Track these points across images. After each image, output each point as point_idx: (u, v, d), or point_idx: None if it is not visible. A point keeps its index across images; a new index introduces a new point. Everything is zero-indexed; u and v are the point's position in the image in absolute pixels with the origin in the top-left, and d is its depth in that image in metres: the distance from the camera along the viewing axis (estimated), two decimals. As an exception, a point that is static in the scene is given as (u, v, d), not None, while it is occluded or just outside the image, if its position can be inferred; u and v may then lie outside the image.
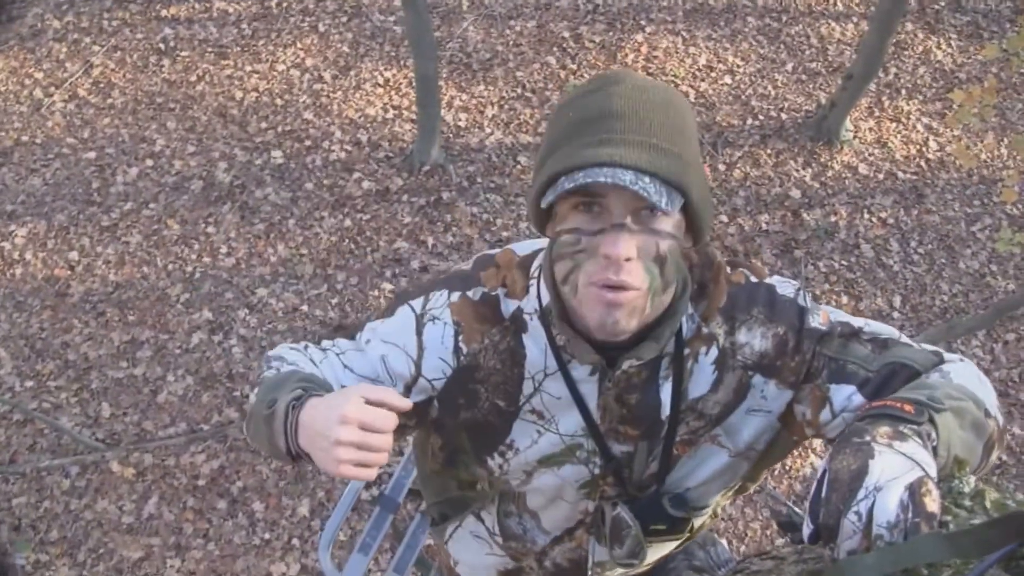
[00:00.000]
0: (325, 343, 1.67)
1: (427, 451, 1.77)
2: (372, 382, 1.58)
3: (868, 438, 1.16)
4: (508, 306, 1.59)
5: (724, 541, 2.04)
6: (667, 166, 1.32)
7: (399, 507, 2.53)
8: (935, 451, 1.20)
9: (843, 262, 6.59)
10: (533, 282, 1.57)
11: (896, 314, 6.44)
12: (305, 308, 6.04)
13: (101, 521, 5.26)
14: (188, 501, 5.32)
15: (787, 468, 5.66)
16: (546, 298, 1.52)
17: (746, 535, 5.34)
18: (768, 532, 5.41)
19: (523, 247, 1.66)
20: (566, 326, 1.49)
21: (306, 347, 1.65)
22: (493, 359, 1.58)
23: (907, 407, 1.24)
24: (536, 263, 1.60)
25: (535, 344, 1.56)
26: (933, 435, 1.22)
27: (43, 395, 5.67)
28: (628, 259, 1.35)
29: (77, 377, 5.76)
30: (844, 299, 6.39)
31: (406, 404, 1.36)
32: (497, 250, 1.67)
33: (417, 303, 1.62)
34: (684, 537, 1.85)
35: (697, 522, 1.83)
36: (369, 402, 1.31)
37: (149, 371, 5.79)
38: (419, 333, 1.59)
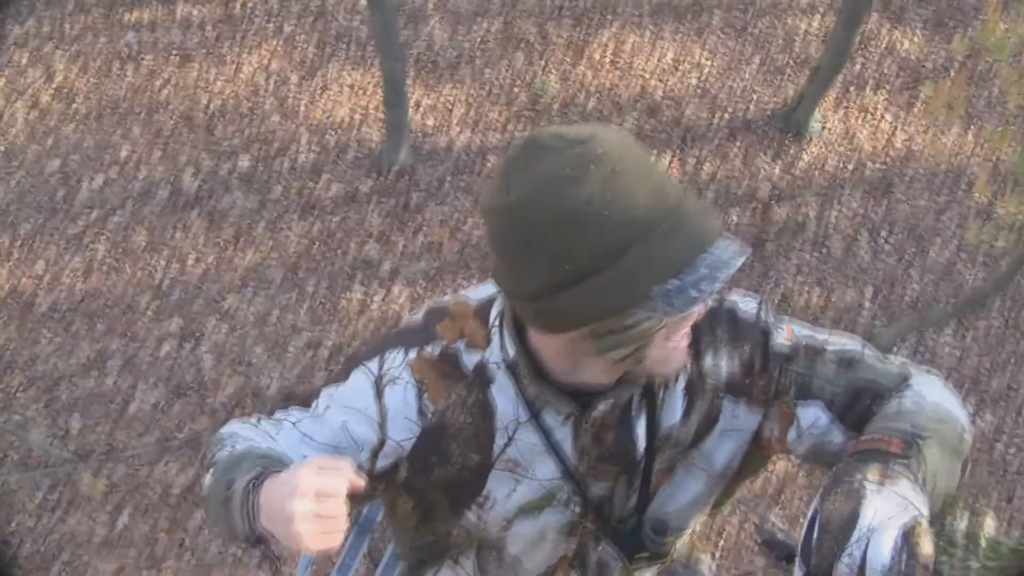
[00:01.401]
0: (278, 414, 1.56)
1: (398, 511, 1.72)
2: (334, 450, 1.50)
3: (859, 478, 1.15)
4: (470, 359, 1.52)
5: (708, 558, 2.02)
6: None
7: (375, 527, 2.49)
8: (923, 482, 1.20)
9: (814, 255, 6.61)
10: (495, 332, 1.51)
11: (868, 306, 6.47)
12: (276, 314, 6.00)
13: (74, 534, 5.21)
14: (162, 513, 5.28)
15: (763, 463, 5.67)
16: (512, 350, 1.48)
17: (724, 529, 5.36)
18: (745, 526, 5.43)
19: (476, 293, 1.59)
20: (543, 382, 1.44)
21: (259, 421, 1.56)
22: (462, 415, 1.53)
23: (895, 443, 1.23)
24: (495, 311, 1.53)
25: (504, 396, 1.51)
26: (922, 468, 1.21)
27: (11, 409, 5.60)
28: None
29: (46, 390, 5.70)
30: (816, 293, 6.41)
31: (358, 484, 1.31)
32: (448, 298, 1.62)
33: (372, 365, 1.54)
34: (668, 559, 1.83)
35: (678, 543, 1.81)
36: (323, 470, 1.24)
37: (119, 382, 5.74)
38: (379, 396, 1.52)
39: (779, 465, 5.69)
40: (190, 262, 6.22)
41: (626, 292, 1.23)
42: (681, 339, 1.34)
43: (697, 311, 1.30)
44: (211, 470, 1.42)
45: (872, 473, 1.16)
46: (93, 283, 6.10)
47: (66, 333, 5.91)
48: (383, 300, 6.05)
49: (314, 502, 1.20)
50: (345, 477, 1.24)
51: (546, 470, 1.56)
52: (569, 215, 1.22)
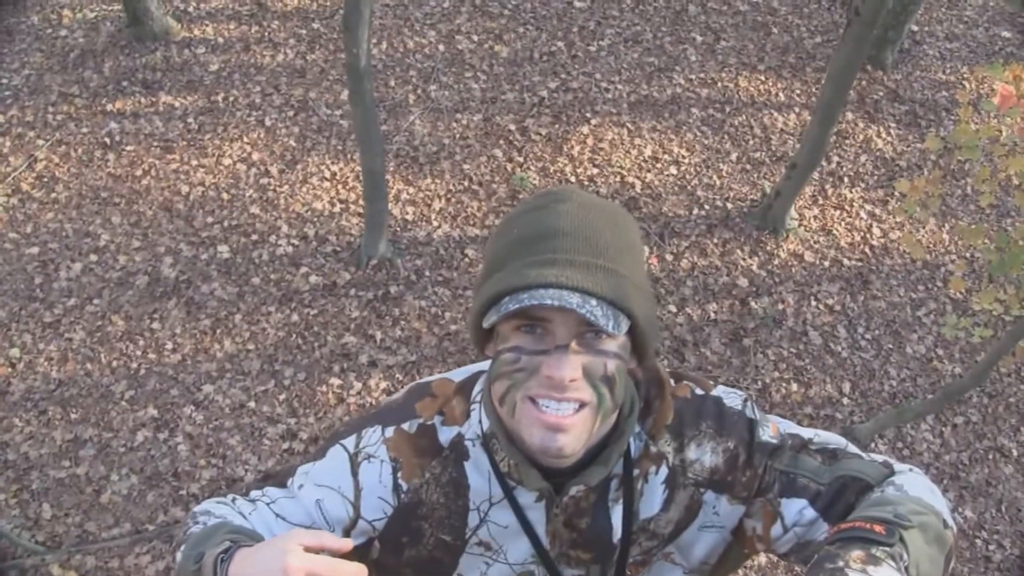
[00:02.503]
0: (254, 493, 1.58)
1: None
2: (307, 529, 1.48)
3: (841, 564, 1.16)
4: (446, 434, 1.53)
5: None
6: (614, 288, 1.29)
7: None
8: (906, 570, 1.19)
9: (792, 350, 6.62)
10: (475, 406, 1.52)
11: (846, 400, 6.47)
12: (252, 405, 5.96)
13: (41, 629, 5.11)
14: (131, 606, 5.19)
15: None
16: (487, 423, 1.48)
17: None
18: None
19: (459, 373, 1.62)
20: (515, 449, 1.43)
21: (234, 500, 1.57)
22: (436, 493, 1.52)
23: (877, 528, 1.23)
24: (478, 387, 1.55)
25: (478, 472, 1.51)
26: (904, 555, 1.20)
27: (-20, 499, 5.53)
28: (573, 380, 1.31)
29: (17, 477, 5.63)
30: (794, 387, 6.41)
31: (346, 545, 1.29)
32: (433, 378, 1.62)
33: (349, 442, 1.55)
34: None
35: None
36: (308, 549, 1.24)
37: (92, 470, 5.67)
38: (355, 474, 1.53)
39: (760, 559, 5.64)
40: (167, 351, 6.18)
41: (489, 291, 1.34)
42: (545, 412, 1.34)
43: (548, 370, 1.32)
44: (182, 546, 1.41)
45: (854, 558, 1.16)
46: (68, 370, 6.05)
47: (39, 420, 5.85)
48: (360, 392, 6.02)
49: None
50: (349, 565, 1.23)
51: (518, 552, 1.55)
52: (506, 219, 1.41)
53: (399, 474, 1.52)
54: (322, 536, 1.28)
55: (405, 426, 1.55)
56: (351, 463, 1.53)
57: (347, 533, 1.52)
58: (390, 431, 1.55)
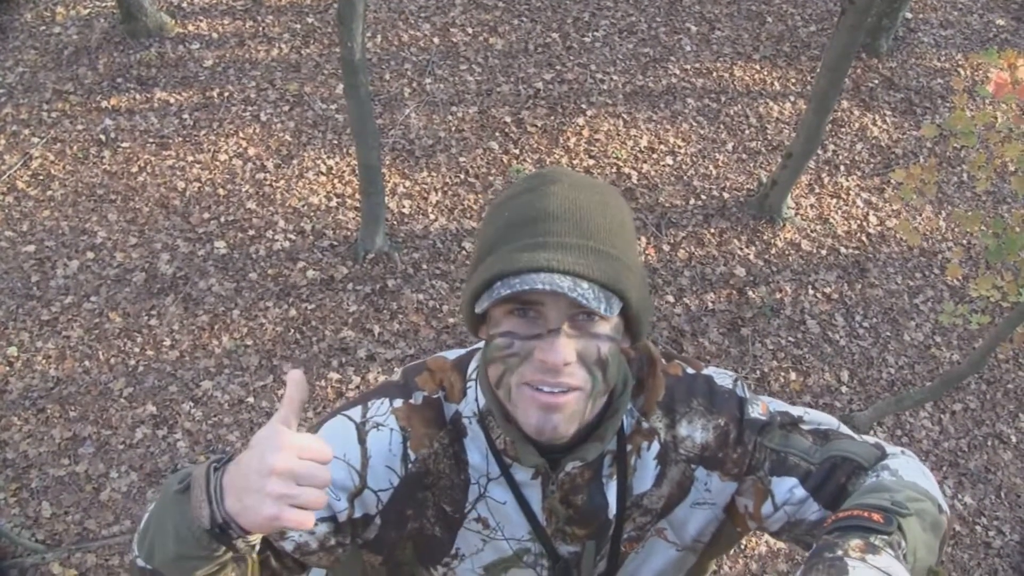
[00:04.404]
0: None
1: (359, 571, 1.70)
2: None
3: (840, 552, 1.16)
4: (448, 409, 1.54)
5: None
6: (605, 270, 1.29)
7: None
8: (904, 557, 1.20)
9: (790, 338, 6.63)
10: (471, 384, 1.53)
11: (844, 388, 6.47)
12: (251, 400, 5.96)
13: (42, 628, 5.11)
14: (133, 604, 5.17)
15: (742, 547, 5.64)
16: (484, 401, 1.49)
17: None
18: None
19: (452, 353, 1.63)
20: (511, 427, 1.44)
21: None
22: (443, 462, 1.53)
23: (876, 516, 1.23)
24: (473, 364, 1.56)
25: (476, 448, 1.52)
26: (902, 543, 1.21)
27: (-21, 498, 5.52)
28: (567, 364, 1.31)
29: (16, 476, 5.62)
30: (792, 376, 6.41)
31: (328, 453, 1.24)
32: (423, 359, 1.63)
33: (354, 412, 1.55)
34: None
35: None
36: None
37: (91, 468, 5.66)
38: (362, 441, 1.51)
39: (760, 549, 5.64)
40: (165, 347, 6.17)
41: (480, 276, 1.33)
42: (540, 393, 1.33)
43: (542, 354, 1.31)
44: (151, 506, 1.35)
45: (854, 547, 1.17)
46: (66, 368, 6.04)
47: (38, 419, 5.84)
48: (359, 386, 6.02)
49: (296, 461, 1.16)
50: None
51: (515, 529, 1.55)
52: (497, 203, 1.42)
53: (408, 443, 1.52)
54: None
55: (412, 399, 1.55)
56: (358, 431, 1.52)
57: (351, 501, 1.51)
58: (398, 402, 1.55)
